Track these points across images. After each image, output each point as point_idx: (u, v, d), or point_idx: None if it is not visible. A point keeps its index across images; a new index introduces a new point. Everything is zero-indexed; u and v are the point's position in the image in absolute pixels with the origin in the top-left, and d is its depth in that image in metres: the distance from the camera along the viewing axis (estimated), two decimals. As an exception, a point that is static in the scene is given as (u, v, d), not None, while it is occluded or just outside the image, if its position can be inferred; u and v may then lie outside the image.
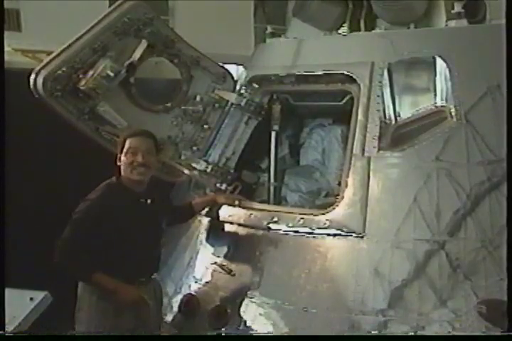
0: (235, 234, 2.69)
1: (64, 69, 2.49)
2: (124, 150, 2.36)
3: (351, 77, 2.62)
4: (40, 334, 1.94)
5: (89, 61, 2.55)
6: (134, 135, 2.38)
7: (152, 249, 2.45)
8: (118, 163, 2.38)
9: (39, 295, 2.35)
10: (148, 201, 2.41)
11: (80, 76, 2.54)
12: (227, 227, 2.73)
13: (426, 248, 2.26)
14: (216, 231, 2.77)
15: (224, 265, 2.62)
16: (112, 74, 2.56)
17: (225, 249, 2.70)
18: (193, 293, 2.68)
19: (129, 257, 2.31)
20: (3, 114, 2.07)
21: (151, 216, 2.39)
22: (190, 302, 2.65)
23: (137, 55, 2.66)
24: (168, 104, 2.89)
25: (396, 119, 2.56)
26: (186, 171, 2.89)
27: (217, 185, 2.93)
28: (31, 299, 2.30)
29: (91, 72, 2.54)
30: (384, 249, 2.30)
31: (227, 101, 2.99)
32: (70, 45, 2.54)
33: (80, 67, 2.54)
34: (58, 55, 2.52)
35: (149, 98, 2.82)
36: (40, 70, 2.48)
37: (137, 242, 2.33)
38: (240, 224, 2.66)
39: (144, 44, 2.69)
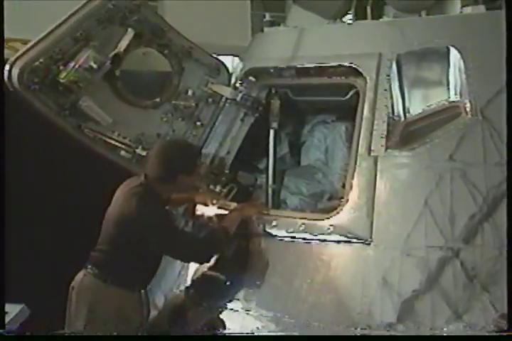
0: (230, 240, 2.64)
1: (42, 60, 2.46)
2: (193, 170, 2.42)
3: (357, 69, 2.61)
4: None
5: (70, 51, 2.52)
6: (200, 154, 2.53)
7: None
8: (182, 182, 2.40)
9: (15, 309, 2.34)
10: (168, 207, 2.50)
11: (60, 68, 2.50)
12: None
13: (439, 256, 2.24)
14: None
15: (218, 274, 2.59)
16: (95, 66, 2.53)
17: (219, 257, 2.63)
18: (183, 304, 2.62)
19: (150, 264, 2.45)
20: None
21: (169, 221, 2.43)
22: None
23: (123, 45, 2.63)
24: (158, 99, 2.87)
25: (405, 116, 2.55)
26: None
27: (211, 187, 2.92)
28: (5, 313, 2.25)
29: (72, 64, 2.50)
30: (393, 257, 2.29)
31: (222, 95, 2.98)
32: (48, 34, 2.51)
33: (60, 57, 2.49)
34: (36, 44, 2.49)
35: (136, 92, 2.79)
36: (15, 61, 2.44)
37: (157, 250, 2.43)
38: (237, 230, 2.57)
39: (130, 33, 2.65)
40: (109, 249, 2.41)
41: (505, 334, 1.90)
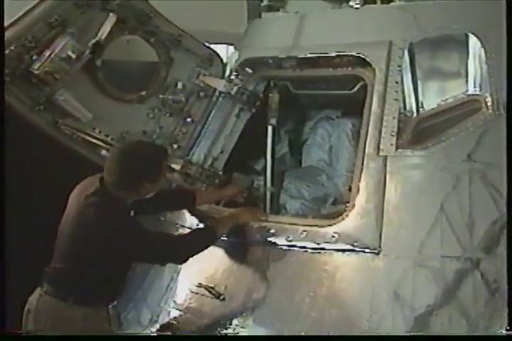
0: (224, 249, 2.65)
1: (13, 48, 2.44)
2: (159, 176, 2.35)
3: (364, 59, 2.58)
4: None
5: (44, 39, 2.49)
6: (167, 156, 2.44)
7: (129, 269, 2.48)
8: (146, 189, 2.34)
9: None
10: (132, 213, 2.41)
11: (34, 57, 2.47)
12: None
13: (456, 267, 2.20)
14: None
15: (211, 287, 2.58)
16: (73, 55, 2.51)
17: (212, 268, 2.65)
18: (172, 321, 2.66)
19: (116, 277, 2.38)
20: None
21: (137, 231, 2.37)
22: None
23: (105, 32, 2.61)
24: (143, 93, 2.87)
25: (418, 111, 2.52)
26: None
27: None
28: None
29: (47, 53, 2.48)
30: (405, 268, 2.26)
31: (215, 89, 2.98)
32: (20, 18, 2.49)
33: (34, 45, 2.47)
34: (5, 30, 2.45)
35: (120, 85, 2.79)
36: (-19, 49, 2.45)
37: (126, 261, 2.39)
38: (230, 238, 2.60)
39: (112, 18, 2.63)
40: (67, 265, 2.35)
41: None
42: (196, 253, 2.39)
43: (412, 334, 2.14)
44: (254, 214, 2.64)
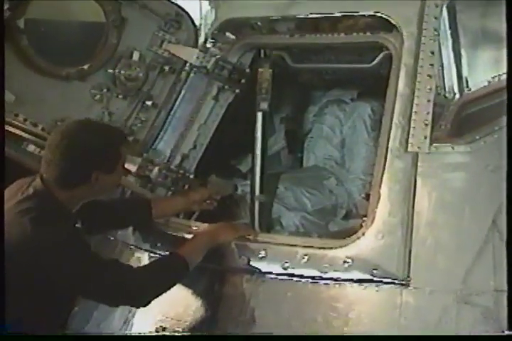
0: (197, 279, 2.63)
1: None
2: (115, 165, 2.37)
3: (388, 21, 2.54)
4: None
5: None
6: (126, 140, 2.45)
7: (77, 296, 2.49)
8: (104, 183, 2.35)
9: None
10: (79, 224, 2.42)
11: None
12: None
13: None
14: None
15: (179, 330, 2.53)
16: None
17: (180, 305, 2.64)
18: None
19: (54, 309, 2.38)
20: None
21: (83, 245, 2.37)
22: None
23: None
24: (86, 66, 2.85)
25: (462, 91, 2.49)
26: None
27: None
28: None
29: None
30: (444, 306, 2.21)
31: (185, 61, 2.98)
32: None
33: None
34: None
35: (52, 55, 2.76)
36: None
37: (69, 285, 2.34)
38: (205, 264, 2.54)
39: None
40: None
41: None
42: (160, 294, 2.34)
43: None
44: (238, 232, 2.59)
